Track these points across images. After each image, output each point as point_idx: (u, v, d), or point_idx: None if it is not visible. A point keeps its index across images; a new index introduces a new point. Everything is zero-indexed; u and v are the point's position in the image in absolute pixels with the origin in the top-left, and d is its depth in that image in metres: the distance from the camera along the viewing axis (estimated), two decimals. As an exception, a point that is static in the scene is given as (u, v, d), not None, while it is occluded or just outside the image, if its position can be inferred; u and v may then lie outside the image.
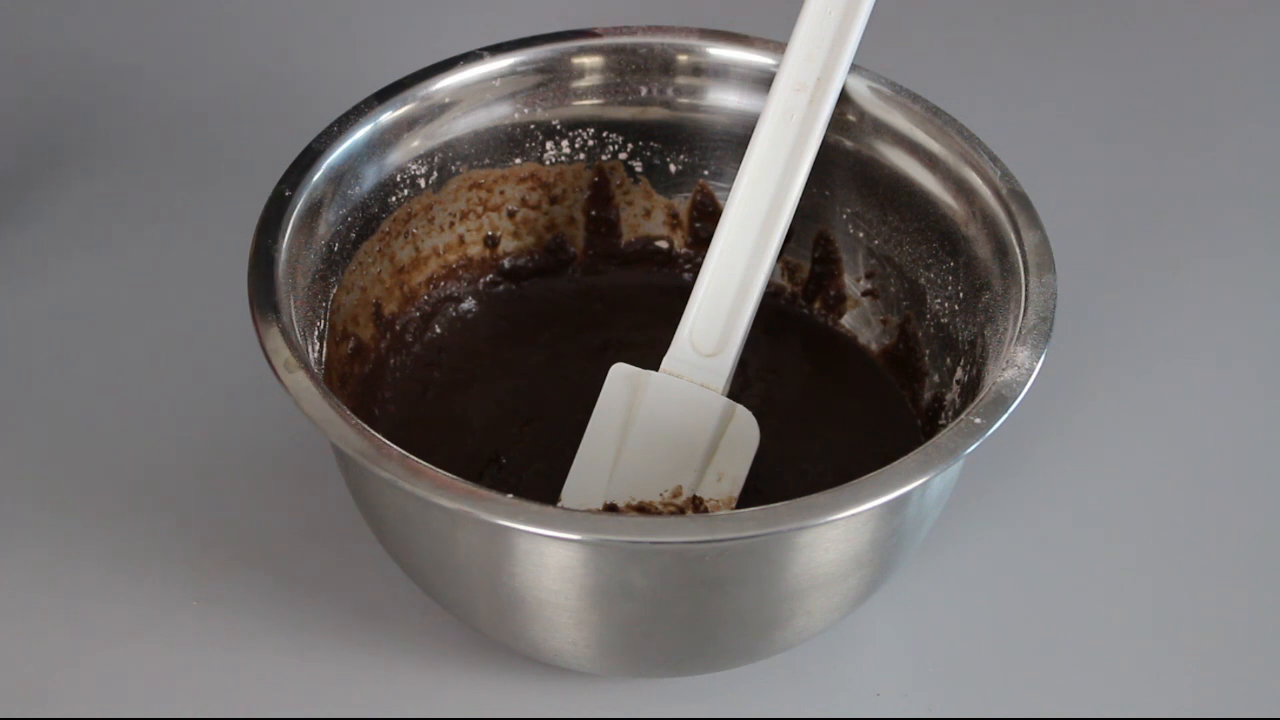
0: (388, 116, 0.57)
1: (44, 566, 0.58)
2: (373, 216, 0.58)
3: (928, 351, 0.59)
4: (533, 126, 0.61)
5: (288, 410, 0.49)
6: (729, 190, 0.61)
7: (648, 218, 0.64)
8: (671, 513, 0.54)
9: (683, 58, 0.61)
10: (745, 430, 0.55)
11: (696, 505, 0.54)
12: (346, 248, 0.57)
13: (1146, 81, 0.80)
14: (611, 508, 0.54)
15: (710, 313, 0.56)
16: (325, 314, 0.56)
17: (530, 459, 0.58)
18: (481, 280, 0.62)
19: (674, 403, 0.55)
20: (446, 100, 0.59)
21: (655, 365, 0.57)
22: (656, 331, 0.60)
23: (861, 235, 0.61)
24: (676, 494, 0.54)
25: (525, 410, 0.59)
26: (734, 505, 0.54)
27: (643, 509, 0.54)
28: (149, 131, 0.74)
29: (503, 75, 0.60)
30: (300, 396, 0.48)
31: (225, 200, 0.69)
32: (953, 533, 0.59)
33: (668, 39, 0.61)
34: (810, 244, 0.62)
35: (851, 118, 0.59)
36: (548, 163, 0.62)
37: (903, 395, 0.60)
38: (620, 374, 0.56)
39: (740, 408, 0.56)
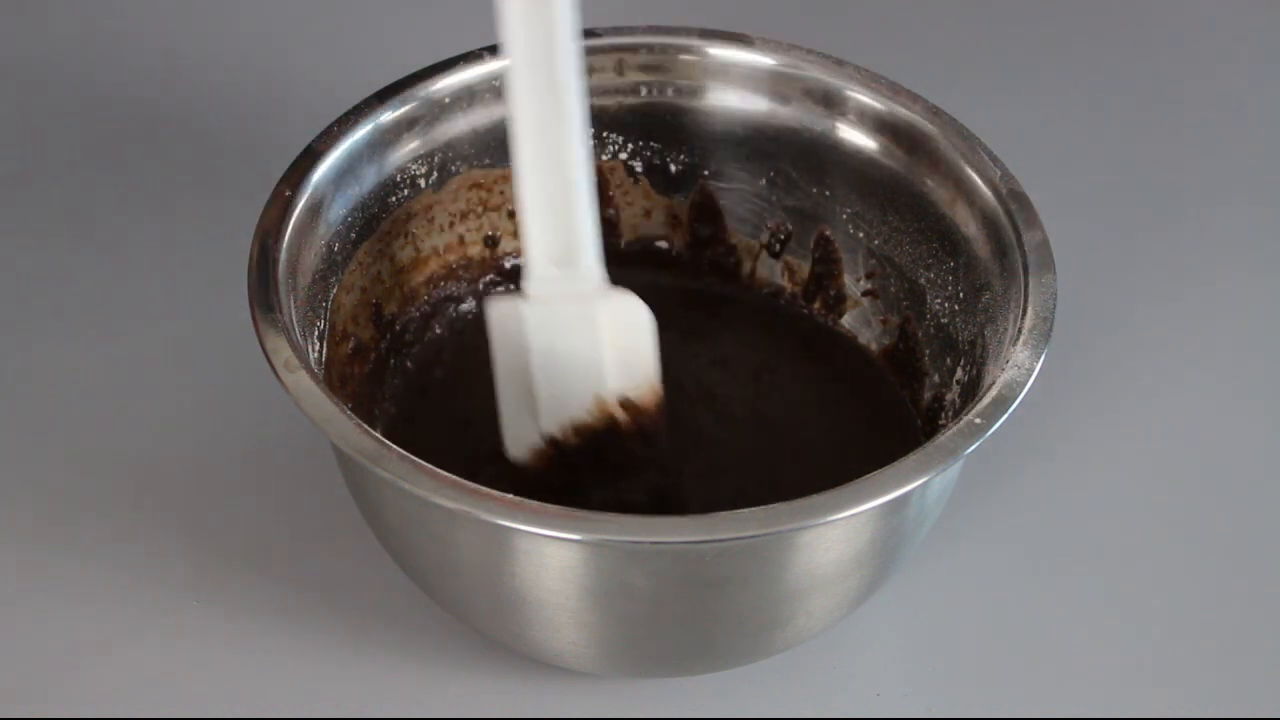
0: (388, 116, 0.57)
1: (44, 566, 0.58)
2: (373, 216, 0.58)
3: (928, 351, 0.59)
4: (533, 126, 0.61)
5: (288, 410, 0.49)
6: (729, 190, 0.61)
7: (648, 218, 0.64)
8: (605, 422, 0.53)
9: (683, 58, 0.61)
10: (629, 314, 0.53)
11: (626, 406, 0.54)
12: (346, 248, 0.57)
13: (1147, 81, 0.80)
14: (553, 440, 0.54)
15: (548, 221, 0.53)
16: (325, 314, 0.56)
17: (530, 459, 0.58)
18: (481, 280, 0.62)
19: (553, 326, 0.53)
20: (446, 100, 0.59)
21: (661, 366, 0.57)
22: (657, 332, 0.60)
23: (861, 235, 0.61)
24: (601, 405, 0.54)
25: (525, 410, 0.59)
26: (658, 389, 0.54)
27: (580, 430, 0.54)
28: (149, 131, 0.74)
29: (503, 75, 0.60)
30: (300, 396, 0.48)
31: (225, 200, 0.69)
32: (953, 533, 0.59)
33: (668, 39, 0.61)
34: (810, 244, 0.62)
35: (852, 118, 0.59)
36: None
37: (903, 395, 0.60)
38: (500, 312, 0.54)
39: (613, 296, 0.54)
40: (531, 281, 0.53)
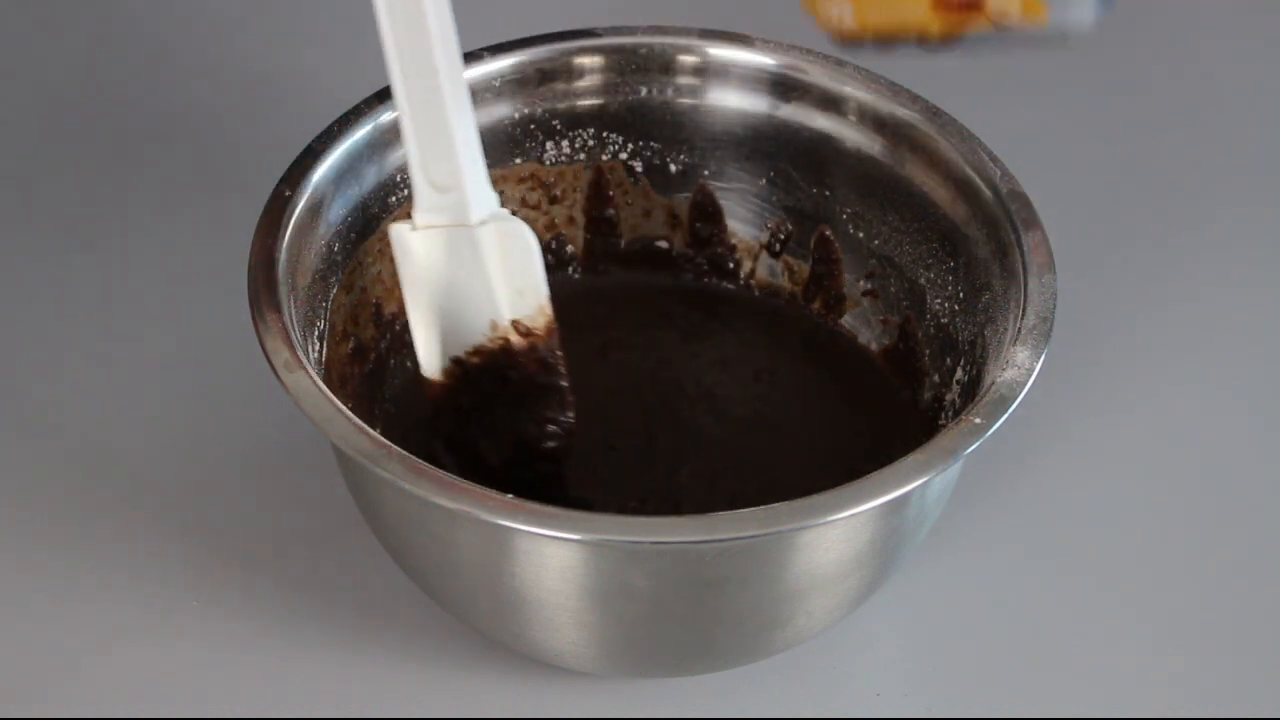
0: (388, 116, 0.57)
1: (44, 566, 0.58)
2: (373, 216, 0.58)
3: (928, 351, 0.59)
4: (533, 126, 0.61)
5: (288, 410, 0.49)
6: (729, 190, 0.61)
7: (648, 218, 0.64)
8: (499, 345, 0.53)
9: (683, 58, 0.61)
10: (514, 239, 0.53)
11: (518, 329, 0.54)
12: (346, 248, 0.57)
13: (1147, 81, 0.80)
14: (457, 360, 0.54)
15: (427, 146, 0.53)
16: (325, 314, 0.56)
17: (530, 459, 0.58)
18: (481, 280, 0.62)
19: (442, 253, 0.53)
20: (446, 100, 0.59)
21: (656, 367, 0.57)
22: (657, 332, 0.60)
23: (861, 235, 0.61)
24: (495, 329, 0.54)
25: (525, 410, 0.59)
26: (548, 312, 0.54)
27: (479, 351, 0.54)
28: (149, 131, 0.74)
29: (503, 75, 0.60)
30: (300, 396, 0.48)
31: (225, 200, 0.69)
32: (953, 533, 0.59)
33: (668, 39, 0.61)
34: (810, 244, 0.62)
35: (852, 118, 0.59)
36: (548, 163, 0.62)
37: (903, 395, 0.60)
38: (399, 236, 0.54)
39: (498, 221, 0.53)
40: (418, 210, 0.53)
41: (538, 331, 0.54)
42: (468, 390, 0.54)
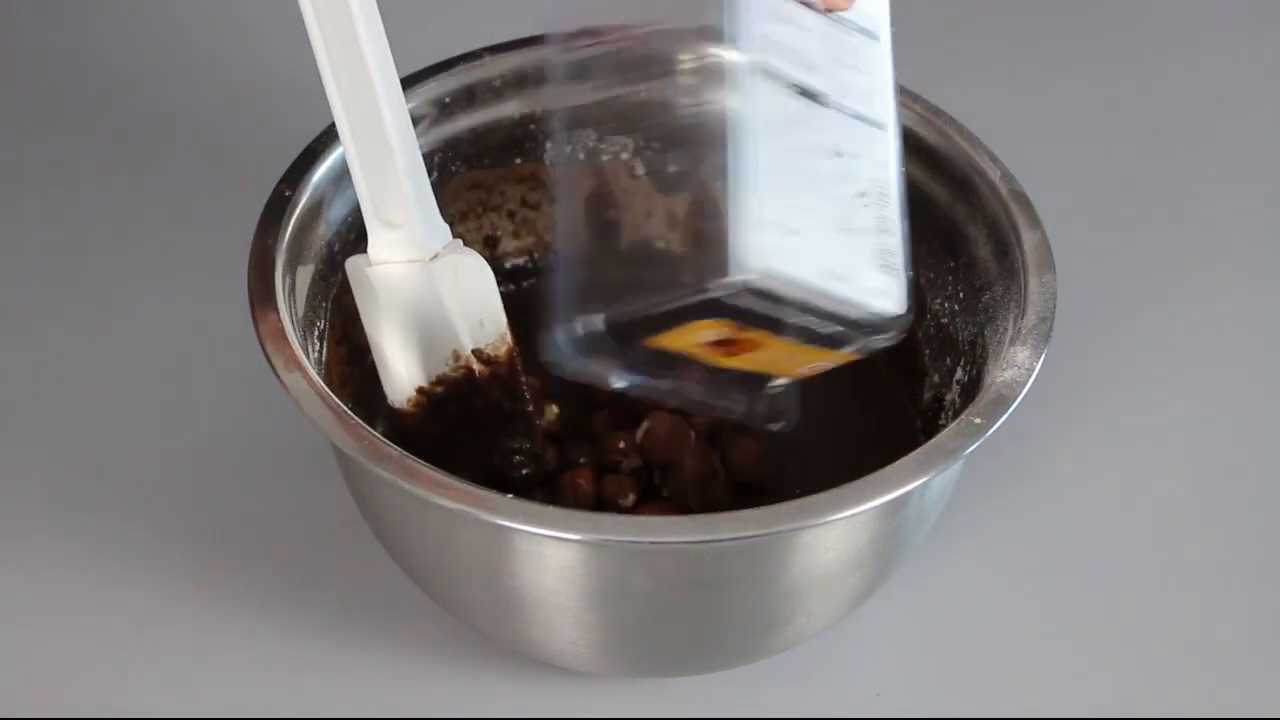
0: (388, 117, 0.57)
1: (44, 566, 0.58)
2: (373, 216, 0.58)
3: (928, 351, 0.59)
4: (533, 126, 0.61)
5: (288, 410, 0.49)
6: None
7: (648, 218, 0.64)
8: (462, 374, 0.54)
9: (683, 58, 0.61)
10: (470, 271, 0.54)
11: (480, 357, 0.54)
12: (346, 248, 0.57)
13: (1147, 81, 0.80)
14: (422, 390, 0.54)
15: (375, 186, 0.53)
16: (325, 314, 0.56)
17: (529, 459, 0.58)
18: (481, 280, 0.62)
19: (398, 287, 0.54)
20: (446, 100, 0.59)
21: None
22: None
23: (861, 235, 0.60)
24: (458, 357, 0.54)
25: (525, 410, 0.59)
26: (509, 340, 0.54)
27: (442, 381, 0.54)
28: (149, 131, 0.74)
29: (503, 75, 0.60)
30: (300, 396, 0.48)
31: (225, 200, 0.69)
32: (953, 533, 0.59)
33: (668, 39, 0.61)
34: (810, 244, 0.62)
35: (851, 118, 0.59)
36: (548, 163, 0.62)
37: (903, 395, 0.59)
38: (356, 270, 0.54)
39: (452, 253, 0.54)
40: (373, 246, 0.54)
41: (500, 359, 0.54)
42: (435, 419, 0.54)
